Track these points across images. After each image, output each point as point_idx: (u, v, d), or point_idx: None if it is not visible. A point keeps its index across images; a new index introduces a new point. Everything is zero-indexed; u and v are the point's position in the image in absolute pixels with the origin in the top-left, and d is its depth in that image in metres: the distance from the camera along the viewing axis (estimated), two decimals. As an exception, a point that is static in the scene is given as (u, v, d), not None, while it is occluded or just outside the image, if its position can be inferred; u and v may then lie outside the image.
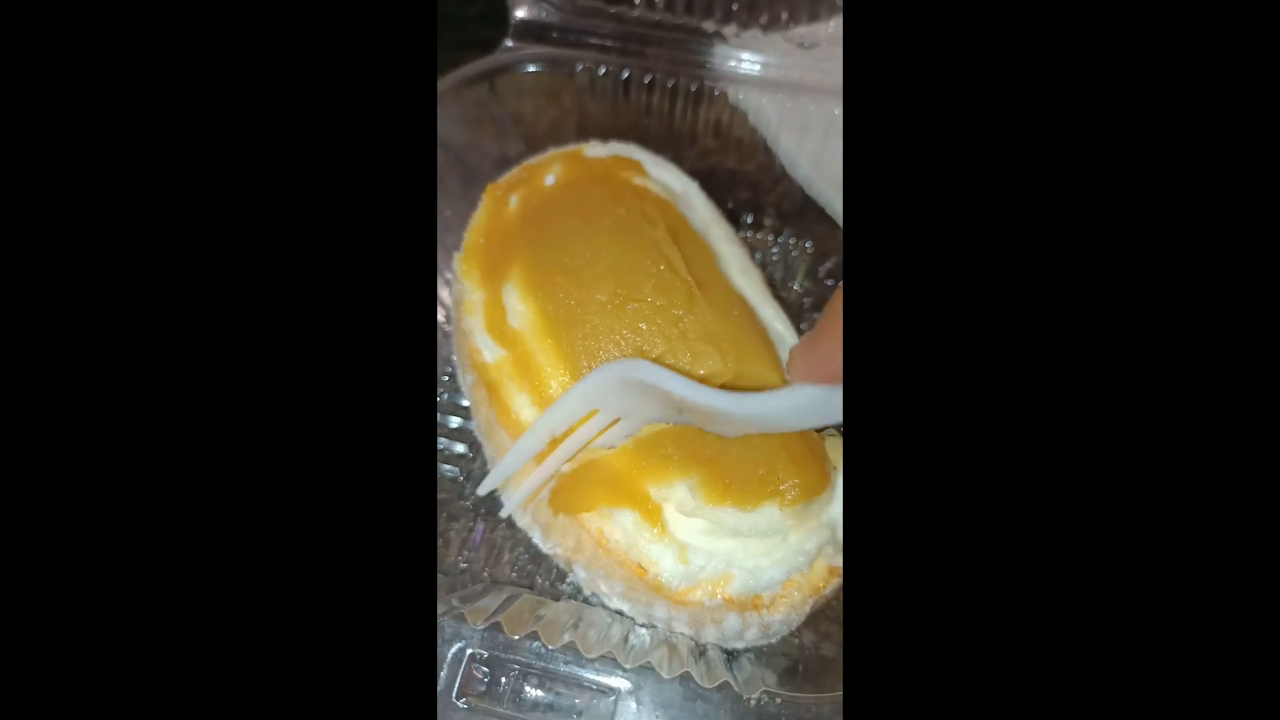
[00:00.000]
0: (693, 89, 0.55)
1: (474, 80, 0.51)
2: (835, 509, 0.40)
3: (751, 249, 0.57)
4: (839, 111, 0.53)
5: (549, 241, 0.44)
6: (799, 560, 0.38)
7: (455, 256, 0.46)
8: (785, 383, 0.45)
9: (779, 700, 0.37)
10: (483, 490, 0.41)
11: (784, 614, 0.38)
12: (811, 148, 0.55)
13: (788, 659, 0.43)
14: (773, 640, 0.41)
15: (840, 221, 0.57)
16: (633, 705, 0.37)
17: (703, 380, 0.42)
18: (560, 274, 0.43)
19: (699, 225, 0.48)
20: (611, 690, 0.37)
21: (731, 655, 0.42)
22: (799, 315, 0.56)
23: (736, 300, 0.45)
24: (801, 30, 0.54)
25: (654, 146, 0.51)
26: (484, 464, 0.47)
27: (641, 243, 0.44)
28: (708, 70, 0.54)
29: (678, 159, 0.51)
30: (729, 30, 0.54)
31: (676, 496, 0.39)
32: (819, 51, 0.53)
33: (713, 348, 0.42)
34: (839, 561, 0.38)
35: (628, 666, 0.37)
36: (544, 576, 0.46)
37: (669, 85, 0.55)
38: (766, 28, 0.54)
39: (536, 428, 0.39)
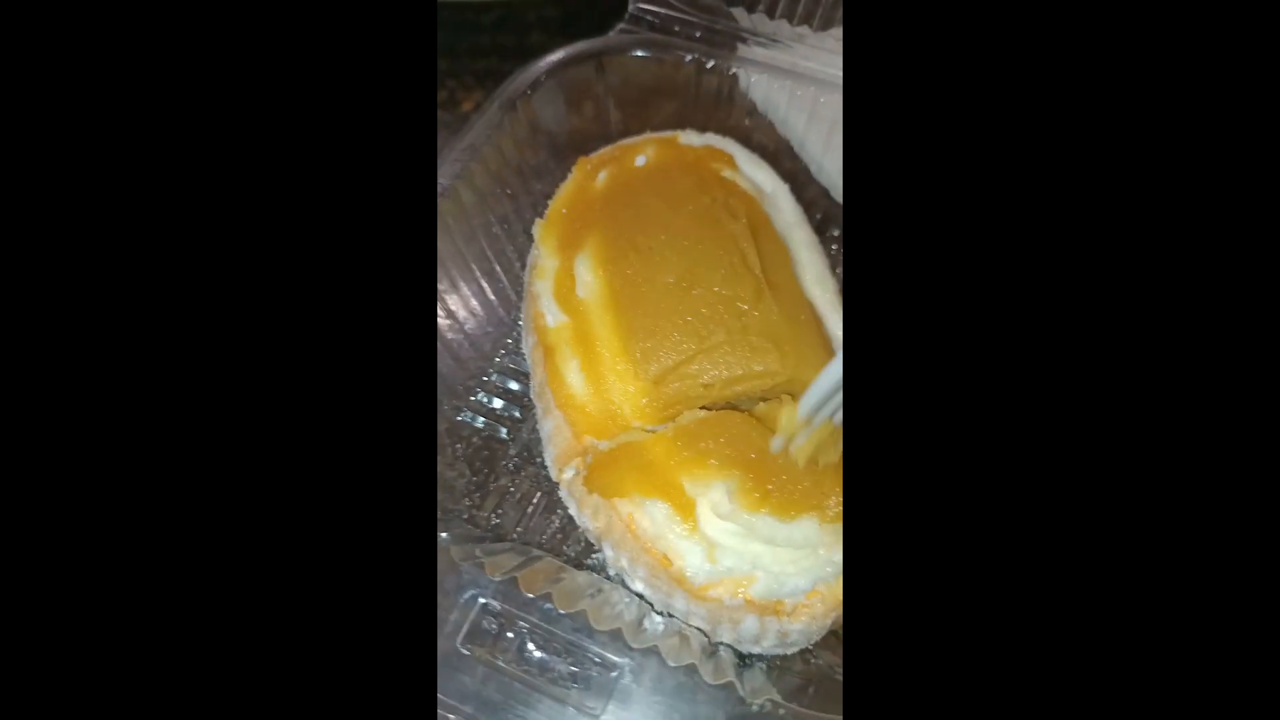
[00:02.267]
0: (798, 93, 0.54)
1: (582, 59, 0.52)
2: None
3: (835, 263, 0.56)
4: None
5: (628, 218, 0.45)
6: (827, 571, 0.37)
7: (536, 223, 0.47)
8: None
9: (781, 711, 0.36)
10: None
11: (804, 624, 0.37)
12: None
13: (801, 677, 0.42)
14: (790, 651, 0.40)
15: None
16: (631, 685, 0.37)
17: (758, 378, 0.42)
18: (633, 251, 0.44)
19: (782, 227, 0.47)
20: (614, 666, 0.37)
21: (744, 661, 0.41)
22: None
23: (806, 306, 0.44)
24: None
25: (753, 147, 0.51)
26: (533, 426, 0.48)
27: (719, 233, 0.44)
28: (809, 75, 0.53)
29: (774, 162, 0.50)
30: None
31: (713, 496, 0.39)
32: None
33: (773, 346, 0.42)
34: None
35: (634, 647, 0.37)
36: (572, 547, 0.46)
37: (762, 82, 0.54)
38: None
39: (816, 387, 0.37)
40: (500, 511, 0.48)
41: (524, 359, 0.49)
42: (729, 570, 0.38)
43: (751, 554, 0.38)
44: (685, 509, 0.38)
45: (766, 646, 0.39)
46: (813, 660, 0.42)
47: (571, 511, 0.43)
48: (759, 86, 0.54)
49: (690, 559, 0.38)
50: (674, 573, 0.38)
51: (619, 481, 0.39)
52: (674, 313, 0.42)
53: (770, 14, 0.55)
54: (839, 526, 0.38)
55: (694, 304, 0.42)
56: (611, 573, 0.42)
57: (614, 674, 0.37)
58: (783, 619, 0.38)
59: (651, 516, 0.38)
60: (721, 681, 0.37)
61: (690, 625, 0.40)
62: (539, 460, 0.48)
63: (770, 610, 0.38)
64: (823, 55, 0.53)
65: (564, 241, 0.46)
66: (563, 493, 0.44)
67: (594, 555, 0.45)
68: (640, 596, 0.42)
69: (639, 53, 0.53)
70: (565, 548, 0.46)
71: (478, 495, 0.48)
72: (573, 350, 0.44)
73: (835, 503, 0.38)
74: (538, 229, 0.47)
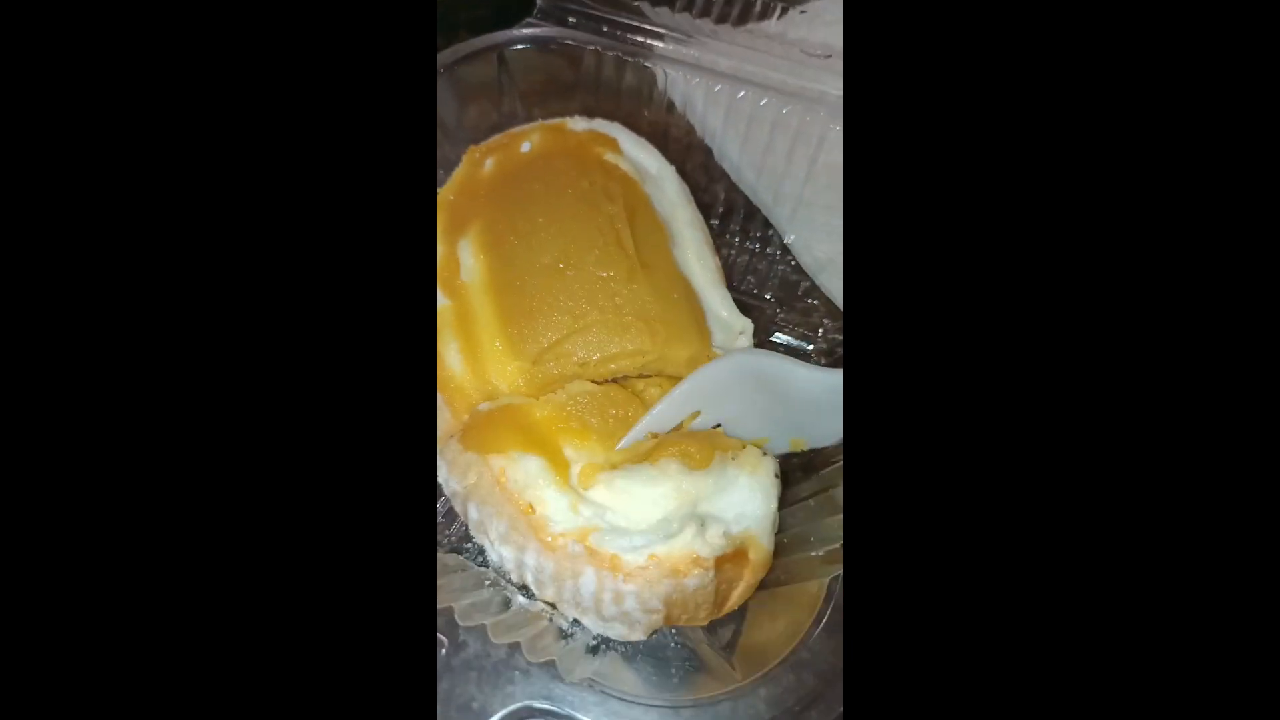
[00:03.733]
0: (714, 89, 0.54)
1: (483, 51, 0.53)
2: (716, 503, 0.40)
3: (725, 250, 0.57)
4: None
5: (510, 204, 0.45)
6: (667, 530, 0.38)
7: (426, 209, 0.48)
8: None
9: (599, 688, 0.36)
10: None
11: (638, 588, 0.37)
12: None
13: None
14: (633, 636, 0.40)
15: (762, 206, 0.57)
16: (447, 659, 0.37)
17: (629, 356, 0.42)
18: (513, 235, 0.44)
19: (664, 208, 0.48)
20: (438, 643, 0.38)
21: (597, 651, 0.41)
22: (768, 324, 0.55)
23: (680, 284, 0.45)
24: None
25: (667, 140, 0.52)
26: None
27: (595, 215, 0.44)
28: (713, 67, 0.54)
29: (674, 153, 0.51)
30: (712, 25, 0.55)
31: (581, 464, 0.39)
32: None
33: (644, 325, 0.42)
34: (705, 552, 0.37)
35: (462, 624, 0.37)
36: (455, 532, 0.46)
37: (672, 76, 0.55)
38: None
39: (640, 426, 0.41)
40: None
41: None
42: (585, 520, 0.38)
43: (609, 506, 0.39)
44: (560, 466, 0.39)
45: (609, 616, 0.39)
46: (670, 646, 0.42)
47: (441, 479, 0.43)
48: (675, 83, 0.55)
49: (553, 506, 0.38)
50: (534, 520, 0.39)
51: (497, 438, 0.40)
52: (550, 294, 0.43)
53: (679, 7, 0.56)
54: (694, 478, 0.39)
55: (569, 285, 0.43)
56: (474, 536, 0.42)
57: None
58: (618, 577, 0.37)
59: (524, 468, 0.39)
60: (541, 660, 0.37)
61: (543, 600, 0.40)
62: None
63: (607, 564, 0.38)
64: (738, 51, 0.54)
65: (449, 227, 0.46)
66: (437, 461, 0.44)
67: (469, 543, 0.45)
68: (494, 570, 0.42)
69: (536, 46, 0.54)
70: (446, 533, 0.46)
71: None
72: (453, 333, 0.44)
73: (698, 450, 0.38)
74: (426, 216, 0.48)
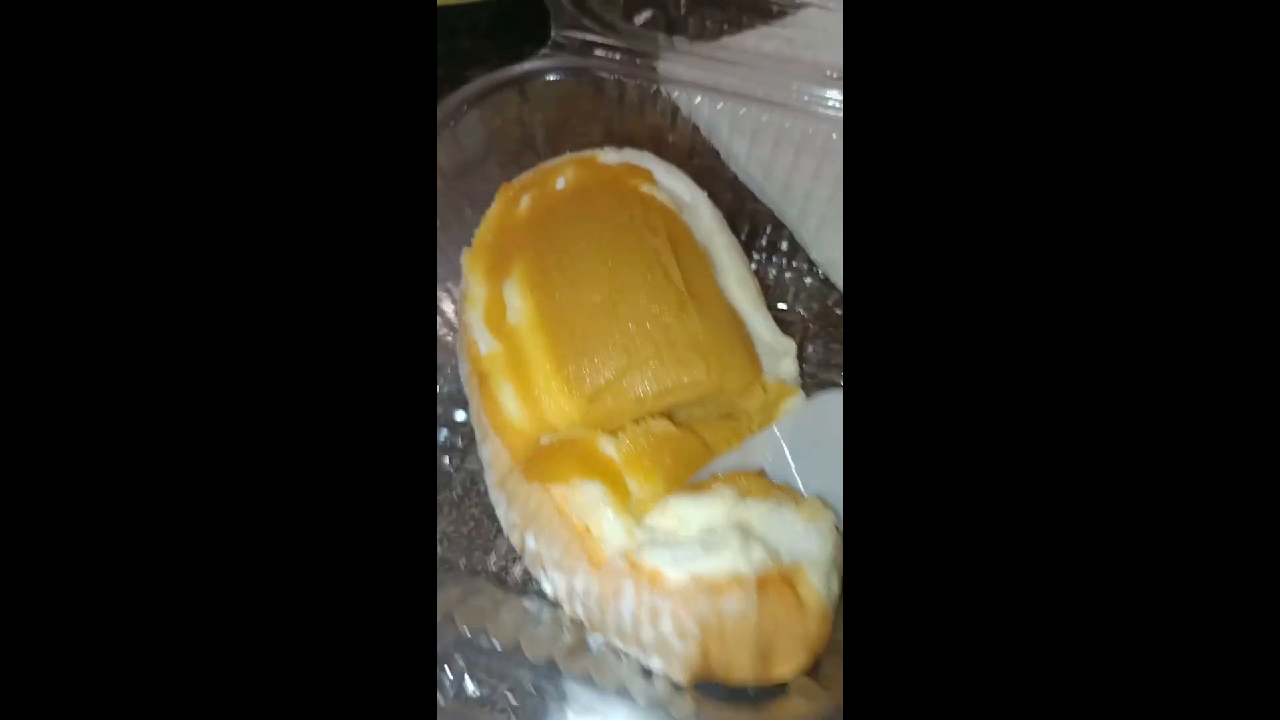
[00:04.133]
0: (718, 106, 0.55)
1: (504, 85, 0.53)
2: (768, 530, 0.39)
3: (758, 268, 0.57)
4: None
5: (552, 241, 0.45)
6: (710, 542, 0.37)
7: (465, 252, 0.48)
8: (763, 393, 0.45)
9: None
10: None
11: (674, 604, 0.36)
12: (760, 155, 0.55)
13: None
14: (673, 662, 0.38)
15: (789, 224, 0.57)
16: (564, 711, 0.36)
17: (686, 389, 0.43)
18: (558, 273, 0.44)
19: (702, 235, 0.48)
20: (546, 693, 0.37)
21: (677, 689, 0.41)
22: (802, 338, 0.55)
23: (728, 311, 0.45)
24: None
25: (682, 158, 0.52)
26: (476, 455, 0.48)
27: (641, 249, 0.45)
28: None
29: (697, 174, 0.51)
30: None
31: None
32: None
33: (699, 358, 0.42)
34: (745, 568, 0.36)
35: (565, 671, 0.37)
36: (521, 575, 0.46)
37: (696, 101, 0.56)
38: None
39: (708, 469, 0.41)
40: (444, 544, 0.48)
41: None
42: (637, 542, 0.38)
43: (661, 527, 0.39)
44: (621, 493, 0.39)
45: (647, 644, 0.38)
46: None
47: (499, 514, 0.43)
48: (700, 110, 0.55)
49: (609, 529, 0.38)
50: (589, 542, 0.38)
51: (559, 467, 0.40)
52: (602, 331, 0.43)
53: (686, 33, 0.57)
54: (756, 499, 0.38)
55: (621, 321, 0.43)
56: (530, 570, 0.42)
57: (546, 700, 0.37)
58: (656, 592, 0.37)
59: (585, 494, 0.39)
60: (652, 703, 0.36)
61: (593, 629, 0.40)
62: (482, 488, 0.48)
63: (646, 578, 0.37)
64: (740, 70, 0.54)
65: (492, 268, 0.46)
66: (494, 495, 0.44)
67: (535, 587, 0.45)
68: (544, 598, 0.41)
69: (560, 76, 0.54)
70: (507, 576, 0.46)
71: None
72: (506, 376, 0.44)
73: (755, 486, 0.39)
74: (465, 258, 0.48)
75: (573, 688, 0.36)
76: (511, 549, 0.47)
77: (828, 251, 0.57)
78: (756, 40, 0.61)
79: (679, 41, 0.56)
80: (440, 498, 0.49)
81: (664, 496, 0.41)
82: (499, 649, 0.36)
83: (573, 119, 0.56)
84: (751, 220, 0.59)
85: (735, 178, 0.58)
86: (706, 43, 0.57)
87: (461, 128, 0.53)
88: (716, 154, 0.58)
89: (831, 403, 0.39)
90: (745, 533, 0.38)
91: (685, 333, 0.43)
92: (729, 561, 0.37)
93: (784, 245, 0.59)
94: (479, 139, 0.53)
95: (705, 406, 0.45)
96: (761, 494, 0.39)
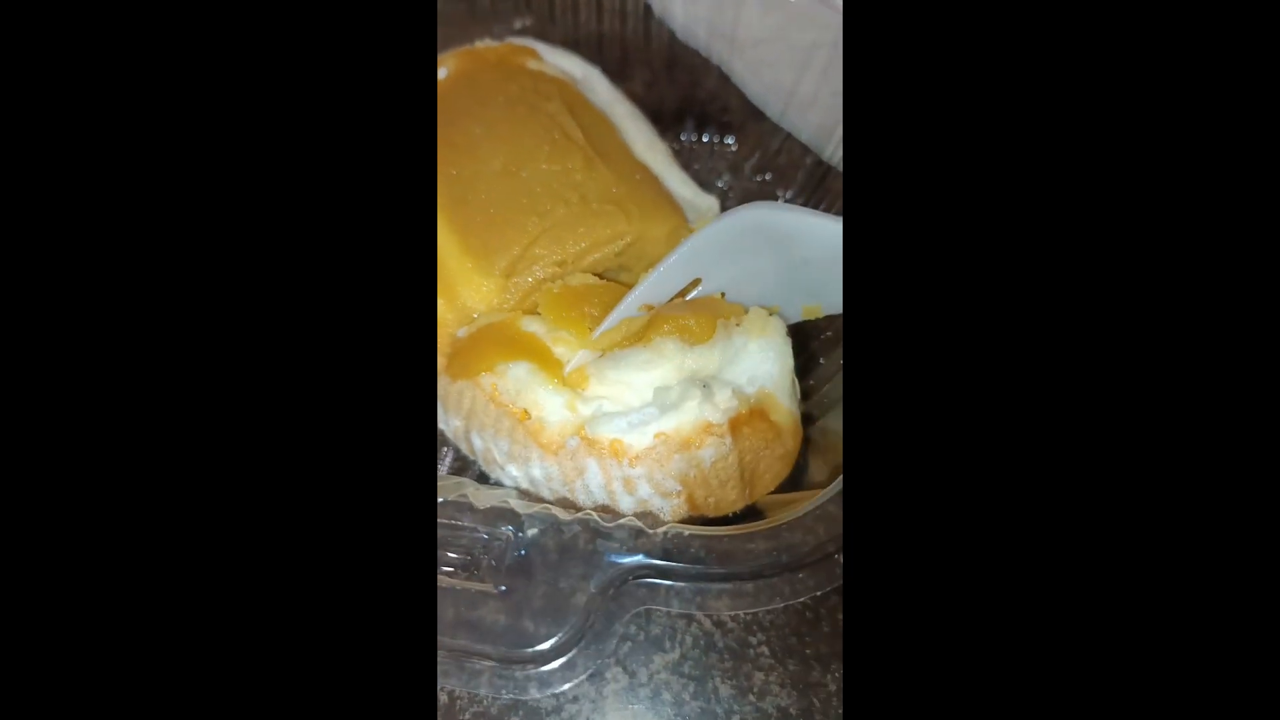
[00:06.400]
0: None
1: None
2: (724, 373, 0.37)
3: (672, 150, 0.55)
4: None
5: (443, 124, 0.43)
6: (665, 402, 0.35)
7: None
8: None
9: (687, 534, 0.32)
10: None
11: (647, 469, 0.34)
12: None
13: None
14: (656, 529, 0.36)
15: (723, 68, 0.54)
16: (531, 556, 0.33)
17: (607, 242, 0.40)
18: (450, 150, 0.42)
19: (601, 104, 0.46)
20: (502, 538, 0.33)
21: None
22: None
23: (639, 167, 0.43)
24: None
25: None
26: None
27: (535, 115, 0.42)
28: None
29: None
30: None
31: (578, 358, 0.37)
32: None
33: (616, 208, 0.40)
34: (715, 416, 0.34)
35: (523, 513, 0.33)
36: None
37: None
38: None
39: (631, 297, 0.37)
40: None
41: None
42: (582, 416, 0.35)
43: (606, 396, 0.36)
44: (551, 367, 0.36)
45: (626, 511, 0.36)
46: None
47: (440, 425, 0.40)
48: None
49: (549, 407, 0.36)
50: (531, 425, 0.35)
51: (482, 357, 0.36)
52: (508, 199, 0.40)
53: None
54: (694, 351, 0.36)
55: (527, 185, 0.40)
56: (486, 471, 0.39)
57: (505, 547, 0.33)
58: (623, 462, 0.34)
59: (513, 376, 0.36)
60: (620, 522, 0.33)
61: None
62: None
63: (610, 452, 0.34)
64: None
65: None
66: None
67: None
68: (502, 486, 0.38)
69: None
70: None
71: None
72: (414, 267, 0.41)
73: (696, 322, 0.36)
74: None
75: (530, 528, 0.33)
76: (458, 458, 0.43)
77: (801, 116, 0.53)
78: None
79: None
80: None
81: (594, 350, 0.38)
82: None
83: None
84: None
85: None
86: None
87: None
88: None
89: (754, 212, 0.37)
90: (703, 383, 0.36)
91: (597, 186, 0.40)
92: (693, 414, 0.35)
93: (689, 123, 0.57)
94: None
95: (632, 266, 0.43)
96: (704, 330, 0.37)
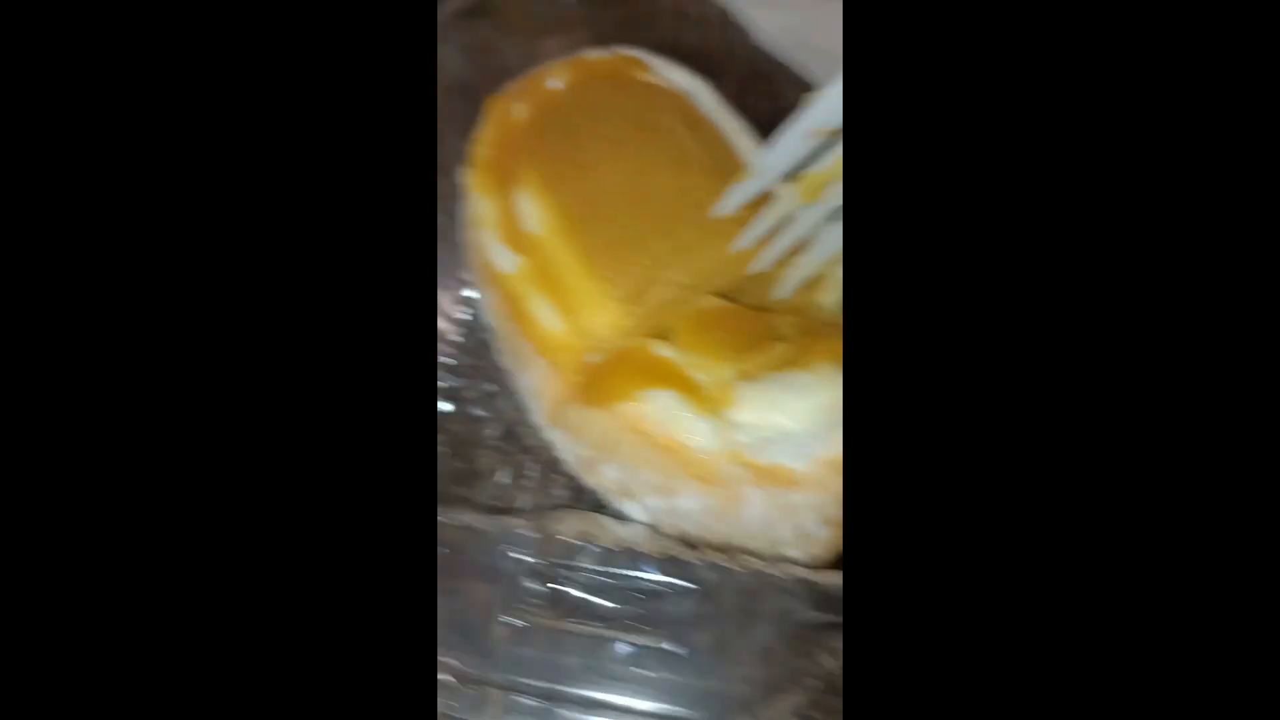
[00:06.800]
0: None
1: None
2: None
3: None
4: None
5: (559, 139, 0.42)
6: (833, 421, 0.34)
7: (458, 172, 0.44)
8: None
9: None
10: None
11: (808, 496, 0.33)
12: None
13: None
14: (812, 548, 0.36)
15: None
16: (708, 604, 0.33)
17: (735, 260, 0.40)
18: (573, 169, 0.41)
19: (711, 118, 0.45)
20: (682, 590, 0.33)
21: None
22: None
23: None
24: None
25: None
26: (509, 395, 0.44)
27: (655, 130, 0.42)
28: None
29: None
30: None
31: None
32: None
33: (739, 226, 0.40)
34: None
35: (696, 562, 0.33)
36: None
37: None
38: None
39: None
40: (497, 494, 0.43)
41: (472, 330, 0.45)
42: (737, 442, 0.35)
43: (759, 423, 0.35)
44: (695, 391, 0.36)
45: (780, 540, 0.35)
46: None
47: (561, 453, 0.39)
48: None
49: (700, 436, 0.35)
50: (684, 456, 0.35)
51: (620, 384, 0.36)
52: (631, 219, 0.40)
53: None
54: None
55: (649, 205, 0.40)
56: (617, 503, 0.39)
57: (682, 597, 0.33)
58: (786, 486, 0.34)
59: (659, 405, 0.35)
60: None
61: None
62: (528, 426, 0.44)
63: (771, 478, 0.34)
64: None
65: (497, 181, 0.42)
66: (549, 434, 0.40)
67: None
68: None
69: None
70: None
71: (472, 482, 0.43)
72: (537, 289, 0.40)
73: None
74: (461, 178, 0.44)
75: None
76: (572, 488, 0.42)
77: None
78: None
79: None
80: (481, 448, 0.45)
81: (732, 377, 0.37)
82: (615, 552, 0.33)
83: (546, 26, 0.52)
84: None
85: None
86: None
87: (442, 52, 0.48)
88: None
89: None
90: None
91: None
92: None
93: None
94: (455, 64, 0.49)
95: (755, 287, 0.42)
96: None
